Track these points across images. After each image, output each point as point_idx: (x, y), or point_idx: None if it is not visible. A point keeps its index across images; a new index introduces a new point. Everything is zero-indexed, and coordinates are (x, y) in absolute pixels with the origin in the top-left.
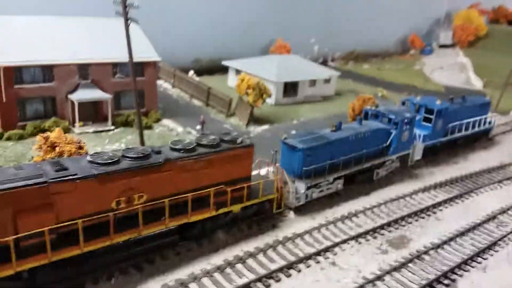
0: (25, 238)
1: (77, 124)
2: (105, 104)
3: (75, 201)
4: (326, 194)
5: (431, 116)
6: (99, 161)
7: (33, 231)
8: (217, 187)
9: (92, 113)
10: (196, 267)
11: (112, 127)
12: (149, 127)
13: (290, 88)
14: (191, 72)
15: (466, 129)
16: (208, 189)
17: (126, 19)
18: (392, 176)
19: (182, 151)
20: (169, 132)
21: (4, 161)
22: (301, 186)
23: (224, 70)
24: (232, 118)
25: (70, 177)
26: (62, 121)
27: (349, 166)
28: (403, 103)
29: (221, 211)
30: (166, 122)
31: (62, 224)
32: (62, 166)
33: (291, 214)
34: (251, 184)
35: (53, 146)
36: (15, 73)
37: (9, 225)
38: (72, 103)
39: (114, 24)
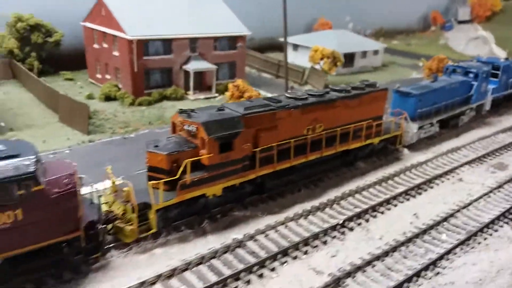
0: (261, 151)
1: (191, 91)
2: (209, 74)
3: (287, 126)
4: (428, 135)
5: (498, 72)
6: (297, 97)
7: (267, 145)
8: (367, 121)
9: (198, 82)
10: (352, 186)
11: (216, 94)
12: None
13: (348, 59)
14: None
15: None
16: (361, 123)
17: None
18: (470, 123)
19: (343, 92)
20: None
21: (150, 122)
22: (414, 127)
23: (273, 48)
24: (305, 87)
25: (287, 106)
26: (179, 89)
27: (445, 111)
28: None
29: (369, 141)
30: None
31: (282, 142)
32: (275, 100)
33: (406, 151)
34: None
35: (242, 92)
36: (143, 46)
37: (253, 140)
38: (186, 73)
39: (209, 4)
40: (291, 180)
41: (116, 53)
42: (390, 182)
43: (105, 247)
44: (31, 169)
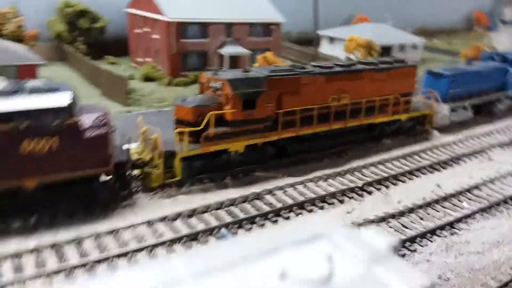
0: (283, 114)
1: None
2: (243, 59)
3: (311, 92)
4: (461, 119)
5: None
6: (323, 65)
7: (291, 109)
8: (394, 97)
9: (232, 67)
10: (376, 159)
11: None
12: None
13: (384, 52)
14: None
15: None
16: (388, 97)
17: None
18: (508, 111)
19: (370, 65)
20: None
21: None
22: (445, 108)
23: (309, 42)
24: None
25: (312, 72)
26: None
27: (479, 95)
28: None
29: (395, 116)
30: None
31: (306, 107)
32: (301, 67)
33: (436, 132)
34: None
35: (269, 63)
36: (181, 29)
37: (276, 102)
38: (221, 57)
39: None
40: (314, 146)
41: (156, 36)
42: (415, 157)
43: (133, 190)
44: (67, 102)
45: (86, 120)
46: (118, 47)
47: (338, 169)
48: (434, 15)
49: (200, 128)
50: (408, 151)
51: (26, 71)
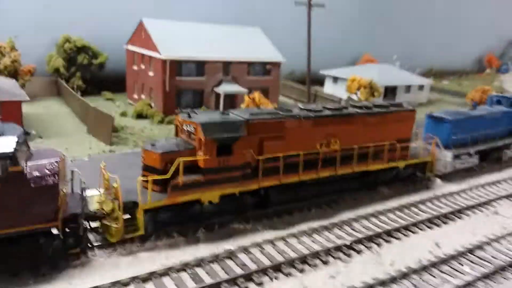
0: (265, 161)
1: None
2: (240, 98)
3: (296, 137)
4: (465, 167)
5: None
6: (310, 108)
7: (273, 155)
8: (390, 142)
9: (229, 106)
10: (369, 209)
11: None
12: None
13: (389, 93)
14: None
15: None
16: (384, 143)
17: (309, 19)
18: None
19: (363, 108)
20: None
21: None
22: (448, 155)
23: (313, 81)
24: None
25: (297, 116)
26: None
27: (485, 142)
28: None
29: (392, 164)
30: None
31: (291, 153)
32: (286, 109)
33: (438, 181)
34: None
35: (257, 105)
36: (176, 67)
37: (257, 148)
38: (217, 95)
39: (248, 31)
40: (300, 196)
41: (151, 73)
42: (413, 209)
43: (90, 245)
44: (10, 148)
45: (34, 168)
46: (116, 83)
47: (326, 222)
48: (445, 56)
49: (166, 176)
50: (405, 202)
51: (9, 107)
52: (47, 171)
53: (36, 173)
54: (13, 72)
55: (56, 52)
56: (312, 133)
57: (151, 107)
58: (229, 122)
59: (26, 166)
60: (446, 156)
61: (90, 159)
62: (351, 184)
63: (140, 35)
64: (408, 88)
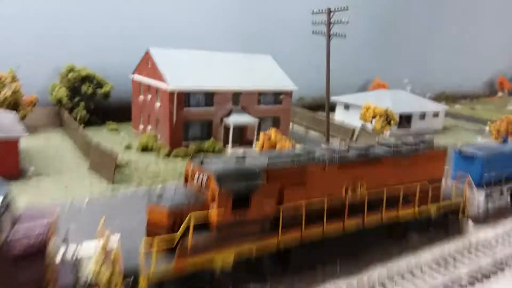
0: (285, 211)
1: (229, 145)
2: (251, 128)
3: (320, 182)
4: (497, 207)
5: None
6: (335, 150)
7: (294, 204)
8: (421, 183)
9: (238, 136)
10: (400, 262)
11: (256, 149)
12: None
13: (403, 120)
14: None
15: None
16: (414, 185)
17: (329, 39)
18: None
19: (392, 148)
20: None
21: (181, 174)
22: (480, 194)
23: (324, 107)
24: None
25: (322, 160)
26: (217, 142)
27: None
28: None
29: (424, 208)
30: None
31: (314, 201)
32: (308, 151)
33: (470, 223)
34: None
35: (273, 144)
36: (184, 97)
37: (277, 197)
38: (226, 126)
39: (258, 59)
40: (325, 255)
41: (158, 104)
42: (449, 260)
43: None
44: None
45: (18, 234)
46: (122, 112)
47: (354, 280)
48: (455, 80)
49: (176, 237)
50: (439, 254)
51: (5, 145)
52: (34, 239)
53: (21, 243)
54: (14, 103)
55: (60, 82)
56: (337, 177)
57: (157, 139)
58: (246, 170)
59: (10, 233)
60: (478, 196)
61: (89, 204)
62: (379, 234)
63: (147, 64)
64: (422, 115)
